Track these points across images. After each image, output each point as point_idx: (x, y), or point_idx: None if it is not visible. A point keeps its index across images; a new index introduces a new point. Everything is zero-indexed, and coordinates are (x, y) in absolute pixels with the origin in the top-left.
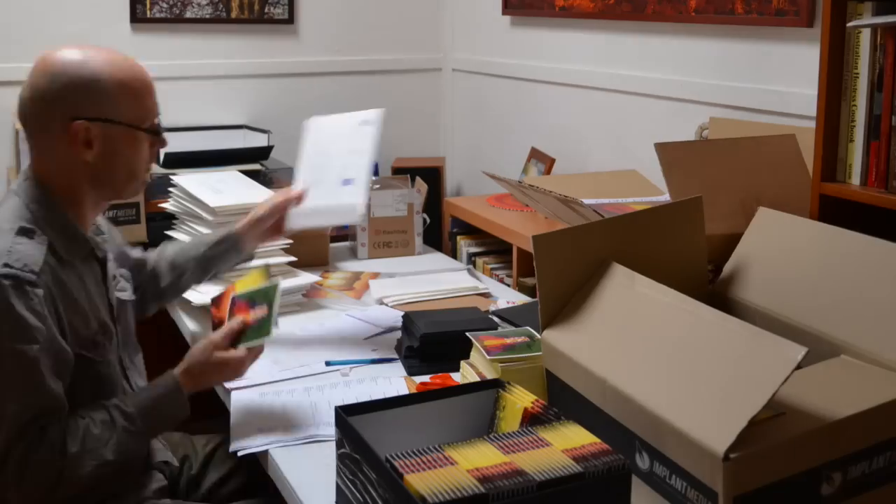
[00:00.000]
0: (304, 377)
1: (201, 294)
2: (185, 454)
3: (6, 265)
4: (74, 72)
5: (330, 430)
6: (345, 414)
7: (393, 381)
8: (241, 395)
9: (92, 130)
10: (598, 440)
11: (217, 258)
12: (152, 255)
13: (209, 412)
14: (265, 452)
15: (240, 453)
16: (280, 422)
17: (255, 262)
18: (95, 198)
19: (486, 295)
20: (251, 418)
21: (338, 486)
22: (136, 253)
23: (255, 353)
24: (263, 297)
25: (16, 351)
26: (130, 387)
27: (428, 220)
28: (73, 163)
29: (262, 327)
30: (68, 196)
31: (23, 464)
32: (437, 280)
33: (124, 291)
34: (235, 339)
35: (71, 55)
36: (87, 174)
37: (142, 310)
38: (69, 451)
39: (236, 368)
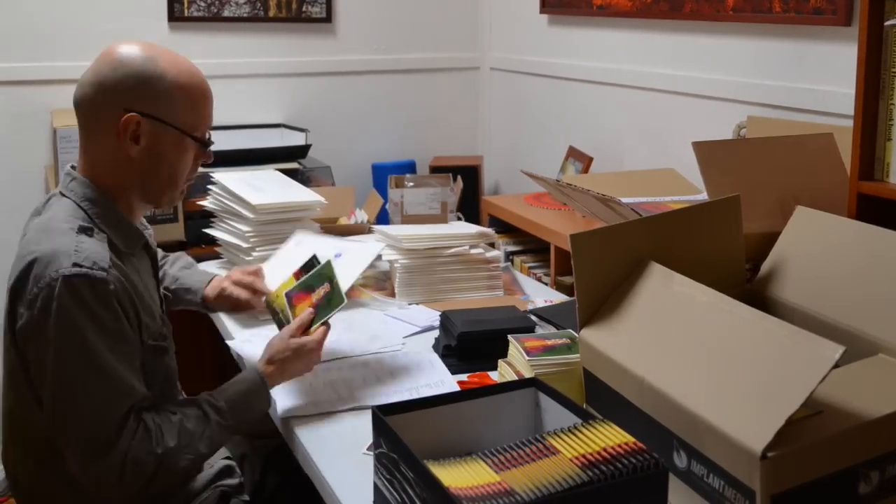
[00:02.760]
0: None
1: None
2: (242, 452)
3: (76, 265)
4: (138, 66)
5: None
6: (381, 414)
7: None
8: None
9: (142, 125)
10: (632, 439)
11: (176, 299)
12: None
13: None
14: (304, 451)
15: (283, 415)
16: (323, 392)
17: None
18: (139, 197)
19: (491, 240)
20: (294, 389)
21: (375, 486)
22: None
23: (325, 331)
24: (320, 278)
25: (99, 348)
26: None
27: (462, 219)
28: (120, 157)
29: (330, 301)
30: (116, 192)
31: (124, 459)
32: (443, 227)
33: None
34: (307, 328)
35: (137, 50)
36: (132, 171)
37: None
38: (167, 445)
39: (314, 350)
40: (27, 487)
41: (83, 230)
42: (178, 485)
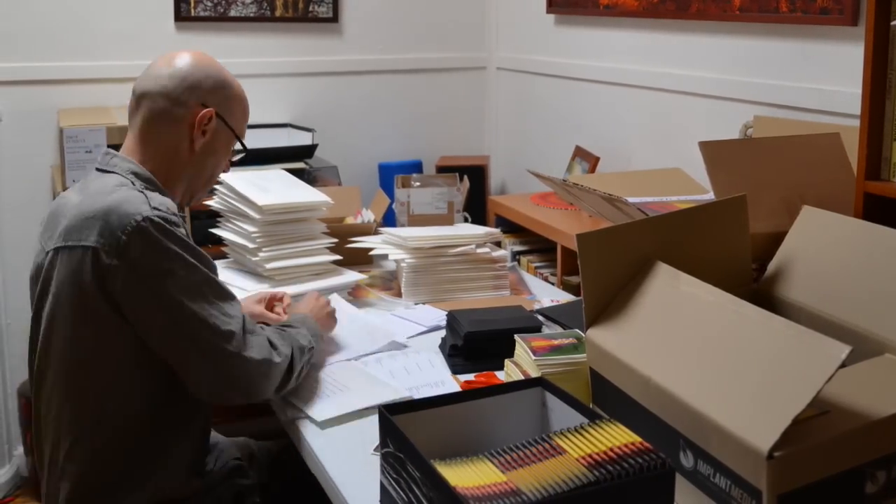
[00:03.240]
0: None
1: (248, 292)
2: (250, 453)
3: (154, 208)
4: (214, 70)
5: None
6: (388, 413)
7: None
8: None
9: (213, 122)
10: (639, 439)
11: None
12: None
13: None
14: (311, 452)
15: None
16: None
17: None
18: (181, 189)
19: (497, 240)
20: (300, 389)
21: (382, 486)
22: None
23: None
24: None
25: (205, 273)
26: None
27: (469, 219)
28: (180, 145)
29: None
30: (163, 176)
31: (254, 343)
32: (452, 228)
33: None
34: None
35: (208, 57)
36: (185, 162)
37: None
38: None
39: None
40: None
41: (144, 187)
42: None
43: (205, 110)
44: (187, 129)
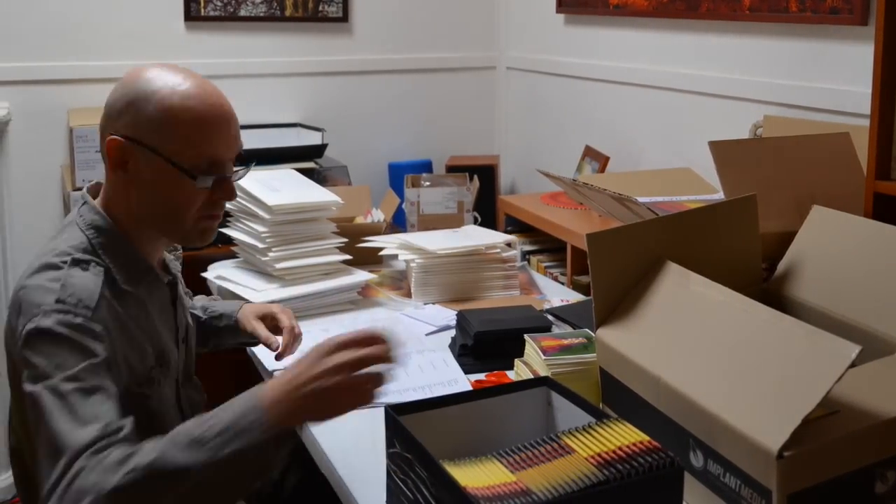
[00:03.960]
0: None
1: (258, 292)
2: None
3: (59, 301)
4: (131, 87)
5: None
6: (395, 413)
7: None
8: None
9: (126, 151)
10: (647, 438)
11: (213, 333)
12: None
13: None
14: (320, 450)
15: None
16: None
17: None
18: (156, 231)
19: (511, 244)
20: None
21: (388, 486)
22: None
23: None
24: None
25: (66, 385)
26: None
27: (479, 219)
28: (118, 184)
29: None
30: (128, 222)
31: (69, 485)
32: (467, 232)
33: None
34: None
35: (143, 70)
36: (131, 200)
37: None
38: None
39: (362, 384)
40: None
41: (77, 262)
42: None
43: (109, 139)
44: (108, 166)
